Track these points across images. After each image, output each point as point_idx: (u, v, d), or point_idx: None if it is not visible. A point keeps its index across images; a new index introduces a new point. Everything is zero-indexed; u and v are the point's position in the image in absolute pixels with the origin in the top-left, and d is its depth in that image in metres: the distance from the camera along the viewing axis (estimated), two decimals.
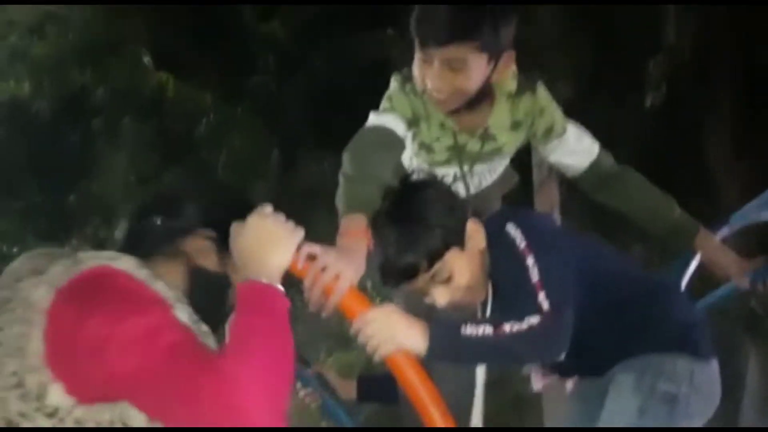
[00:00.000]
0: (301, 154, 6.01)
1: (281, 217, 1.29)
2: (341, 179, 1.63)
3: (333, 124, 5.21)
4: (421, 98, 1.75)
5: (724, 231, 2.14)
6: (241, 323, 1.16)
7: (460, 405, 1.93)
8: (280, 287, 1.24)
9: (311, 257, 1.34)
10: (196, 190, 1.40)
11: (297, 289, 1.35)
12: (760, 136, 4.82)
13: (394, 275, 1.53)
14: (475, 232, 1.57)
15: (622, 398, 1.58)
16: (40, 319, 1.14)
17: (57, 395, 1.11)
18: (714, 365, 1.64)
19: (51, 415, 1.11)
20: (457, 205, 1.60)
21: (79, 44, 6.14)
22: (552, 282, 1.45)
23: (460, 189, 1.85)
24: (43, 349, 1.12)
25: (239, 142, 6.07)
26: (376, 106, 1.80)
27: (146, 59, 6.14)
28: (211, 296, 1.30)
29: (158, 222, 1.31)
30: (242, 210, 1.29)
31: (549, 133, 1.88)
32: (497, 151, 1.87)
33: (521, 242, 1.50)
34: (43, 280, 1.17)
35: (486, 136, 1.83)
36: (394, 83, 1.79)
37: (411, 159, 1.85)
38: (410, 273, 1.53)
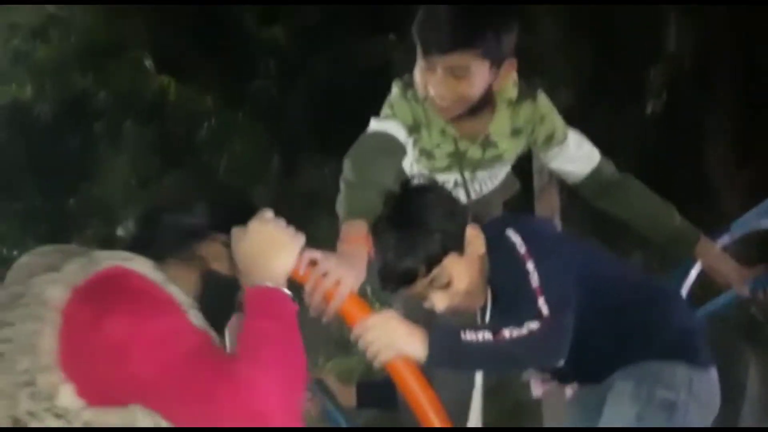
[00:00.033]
0: (302, 159, 6.02)
1: (282, 223, 1.29)
2: (342, 185, 1.63)
3: (334, 129, 5.21)
4: (422, 105, 1.76)
5: (725, 239, 2.14)
6: (252, 328, 1.16)
7: (459, 411, 1.93)
8: (287, 291, 1.25)
9: (312, 263, 1.34)
10: (201, 192, 1.39)
11: (296, 294, 1.35)
12: (760, 144, 4.83)
13: (392, 280, 1.54)
14: (474, 238, 1.57)
15: (621, 405, 1.58)
16: (54, 318, 1.13)
17: (67, 396, 1.11)
18: (713, 373, 1.64)
19: (60, 416, 1.11)
20: (456, 210, 1.60)
21: (81, 48, 6.16)
22: (552, 287, 1.45)
23: (460, 195, 1.85)
24: (57, 348, 1.12)
25: (240, 146, 6.08)
26: (376, 112, 1.80)
27: (148, 63, 6.16)
28: (221, 300, 1.30)
29: (175, 224, 1.31)
30: (246, 213, 1.29)
31: (550, 140, 1.88)
32: (498, 158, 1.88)
33: (521, 247, 1.51)
34: (58, 277, 1.17)
35: (487, 143, 1.84)
36: (395, 89, 1.80)
37: (412, 165, 1.85)
38: (409, 278, 1.53)
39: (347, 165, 1.65)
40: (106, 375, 1.11)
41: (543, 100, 1.86)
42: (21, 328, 1.14)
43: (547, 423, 2.86)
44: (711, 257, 1.97)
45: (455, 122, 1.78)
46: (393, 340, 1.36)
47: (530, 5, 4.62)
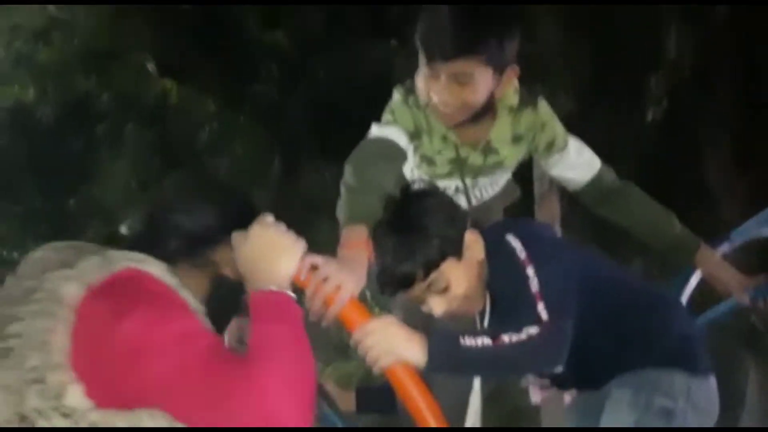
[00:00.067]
0: (303, 163, 6.03)
1: (283, 227, 1.29)
2: (343, 190, 1.63)
3: (334, 133, 5.22)
4: (424, 111, 1.76)
5: (725, 247, 2.14)
6: (260, 332, 1.17)
7: (457, 417, 1.93)
8: (292, 294, 1.25)
9: (313, 268, 1.34)
10: (203, 195, 1.39)
11: (297, 297, 1.35)
12: (760, 152, 4.83)
13: (390, 283, 1.54)
14: (473, 243, 1.57)
15: (619, 413, 1.58)
16: (68, 316, 1.13)
17: (76, 396, 1.11)
18: (711, 381, 1.64)
19: (67, 415, 1.10)
20: (456, 215, 1.60)
21: (84, 50, 6.17)
22: (552, 292, 1.45)
23: (461, 201, 1.85)
24: (69, 347, 1.12)
25: (241, 149, 6.09)
26: (377, 117, 1.80)
27: (150, 66, 6.16)
28: (225, 303, 1.30)
29: (190, 230, 1.30)
30: (248, 217, 1.30)
31: (550, 147, 1.88)
32: (499, 165, 1.88)
33: (521, 252, 1.51)
34: (73, 275, 1.16)
35: (488, 150, 1.84)
36: (396, 95, 1.80)
37: (412, 171, 1.85)
38: (406, 282, 1.53)
39: (348, 170, 1.65)
40: (118, 377, 1.10)
41: (544, 107, 1.86)
42: (33, 324, 1.14)
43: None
44: (711, 265, 1.97)
45: (456, 129, 1.78)
46: (392, 345, 1.36)
47: (530, 12, 4.63)
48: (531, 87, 1.86)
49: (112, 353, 1.10)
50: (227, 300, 1.31)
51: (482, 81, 1.68)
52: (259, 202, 1.46)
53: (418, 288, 1.54)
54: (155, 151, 6.15)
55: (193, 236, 1.30)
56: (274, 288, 1.23)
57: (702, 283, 2.07)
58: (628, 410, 1.56)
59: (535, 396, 2.76)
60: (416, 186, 1.64)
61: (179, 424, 1.12)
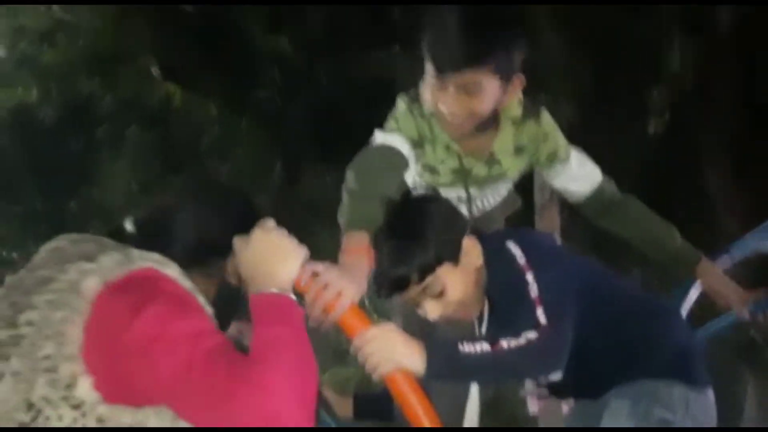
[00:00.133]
0: (304, 168, 6.03)
1: (284, 232, 1.30)
2: (345, 196, 1.63)
3: (336, 139, 5.23)
4: (428, 120, 1.76)
5: (725, 260, 2.15)
6: (262, 334, 1.17)
7: (456, 425, 1.93)
8: (293, 296, 1.25)
9: (314, 274, 1.34)
10: (204, 199, 1.39)
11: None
12: (762, 164, 4.84)
13: (386, 286, 1.54)
14: (471, 249, 1.58)
15: (618, 424, 1.58)
16: (84, 308, 1.13)
17: (85, 388, 1.11)
18: (709, 394, 1.64)
19: (76, 407, 1.11)
20: (455, 220, 1.61)
21: (88, 53, 6.19)
22: (551, 297, 1.45)
23: (463, 211, 1.85)
24: (82, 339, 1.12)
25: (243, 154, 6.10)
26: (379, 123, 1.81)
27: (154, 70, 6.18)
28: (228, 307, 1.30)
29: (208, 241, 1.30)
30: (250, 222, 1.30)
31: (552, 159, 1.89)
32: (501, 176, 1.88)
33: (521, 259, 1.51)
34: (93, 269, 1.17)
35: (491, 160, 1.84)
36: (400, 104, 1.80)
37: (415, 180, 1.86)
38: (401, 284, 1.54)
39: (350, 176, 1.65)
40: (127, 372, 1.11)
41: (546, 118, 1.87)
42: (48, 314, 1.14)
43: None
44: (711, 279, 1.97)
45: (460, 139, 1.79)
46: (392, 352, 1.36)
47: (533, 22, 4.64)
48: (534, 97, 1.87)
49: (124, 349, 1.11)
50: (228, 303, 1.31)
51: (490, 90, 1.68)
52: (260, 206, 1.46)
53: (414, 291, 1.55)
54: (157, 154, 6.16)
55: (204, 246, 1.31)
56: (275, 290, 1.23)
57: (702, 297, 2.07)
58: (627, 421, 1.56)
59: (533, 406, 2.76)
60: (417, 191, 1.64)
61: (184, 423, 1.12)
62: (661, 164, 5.26)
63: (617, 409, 1.58)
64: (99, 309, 1.13)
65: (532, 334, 1.40)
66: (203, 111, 6.22)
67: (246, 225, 1.30)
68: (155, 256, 1.22)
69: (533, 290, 1.46)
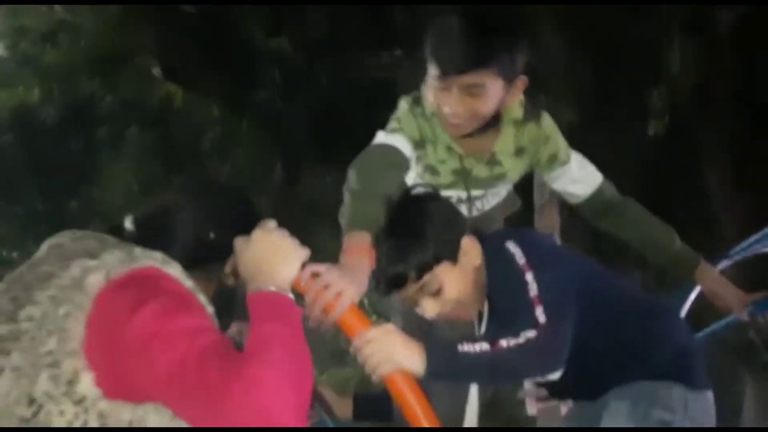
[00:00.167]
0: (304, 169, 6.04)
1: (285, 232, 1.30)
2: (346, 195, 1.63)
3: (336, 140, 5.24)
4: (430, 121, 1.77)
5: (724, 263, 2.15)
6: (258, 331, 1.17)
7: (456, 426, 1.93)
8: (291, 295, 1.26)
9: (314, 275, 1.35)
10: (204, 199, 1.40)
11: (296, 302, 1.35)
12: (761, 167, 4.84)
13: (384, 283, 1.55)
14: (470, 248, 1.58)
15: (617, 425, 1.58)
16: (87, 304, 1.14)
17: (86, 384, 1.11)
18: (709, 396, 1.64)
19: (77, 402, 1.11)
20: (454, 219, 1.61)
21: (89, 53, 6.19)
22: (550, 297, 1.45)
23: (463, 211, 1.86)
24: (84, 334, 1.12)
25: (243, 154, 6.10)
26: (379, 124, 1.81)
27: (155, 70, 6.18)
28: (226, 308, 1.31)
29: (211, 243, 1.31)
30: (251, 223, 1.30)
31: (553, 161, 1.89)
32: (502, 177, 1.89)
33: (521, 258, 1.51)
34: (97, 266, 1.17)
35: (492, 162, 1.85)
36: (403, 105, 1.81)
37: (415, 181, 1.86)
38: (399, 282, 1.54)
39: (352, 175, 1.65)
40: (126, 369, 1.11)
41: (547, 121, 1.87)
42: (50, 309, 1.14)
43: None
44: (711, 281, 1.97)
45: (461, 140, 1.79)
46: (392, 353, 1.36)
47: (534, 25, 4.65)
48: (534, 99, 1.87)
49: (123, 345, 1.11)
50: (226, 304, 1.31)
51: (493, 92, 1.69)
52: (260, 207, 1.46)
53: (411, 289, 1.55)
54: (157, 155, 6.16)
55: (202, 248, 1.31)
56: (273, 289, 1.24)
57: (701, 300, 2.07)
58: (626, 422, 1.56)
59: (532, 407, 2.77)
60: (417, 190, 1.65)
61: (180, 421, 1.12)
62: (660, 165, 5.26)
63: (616, 410, 1.58)
64: (101, 305, 1.14)
65: (531, 334, 1.40)
66: (204, 111, 6.22)
67: (245, 226, 1.31)
68: (157, 255, 1.22)
69: (532, 290, 1.46)
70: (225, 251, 1.31)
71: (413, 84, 1.82)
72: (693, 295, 2.12)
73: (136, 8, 5.82)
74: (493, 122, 1.77)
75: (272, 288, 1.23)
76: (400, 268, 1.53)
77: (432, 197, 1.63)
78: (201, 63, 5.87)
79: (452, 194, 1.85)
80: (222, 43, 5.81)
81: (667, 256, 1.96)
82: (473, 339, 1.41)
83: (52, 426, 1.10)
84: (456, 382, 1.74)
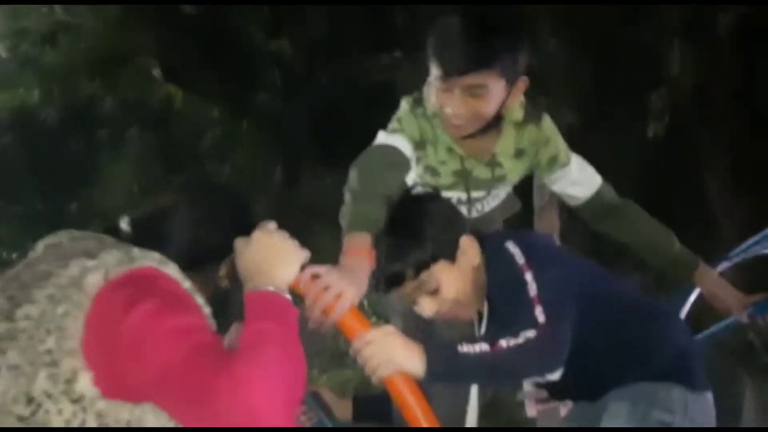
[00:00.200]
0: (305, 171, 6.04)
1: (286, 234, 1.30)
2: (347, 195, 1.64)
3: (336, 142, 5.24)
4: (431, 122, 1.77)
5: (724, 264, 2.15)
6: (252, 329, 1.17)
7: (456, 426, 1.93)
8: (288, 296, 1.26)
9: (314, 277, 1.35)
10: (202, 202, 1.40)
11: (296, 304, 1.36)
12: (761, 169, 4.84)
13: (382, 280, 1.55)
14: (469, 248, 1.58)
15: (617, 426, 1.58)
16: (86, 303, 1.14)
17: (85, 383, 1.11)
18: (708, 397, 1.64)
19: (76, 401, 1.11)
20: (453, 219, 1.62)
21: (89, 54, 6.19)
22: (550, 296, 1.45)
23: (463, 213, 1.86)
24: (82, 333, 1.12)
25: (243, 156, 6.10)
26: (379, 125, 1.82)
27: (156, 72, 6.19)
28: (221, 310, 1.31)
29: (209, 246, 1.31)
30: (247, 225, 1.30)
31: (553, 163, 1.90)
32: (502, 178, 1.89)
33: (520, 258, 1.52)
34: (96, 265, 1.17)
35: (492, 163, 1.85)
36: (404, 105, 1.82)
37: (415, 182, 1.86)
38: (397, 280, 1.55)
39: (353, 175, 1.66)
40: (120, 367, 1.11)
41: (547, 123, 1.88)
42: (48, 307, 1.14)
43: None
44: (710, 283, 1.98)
45: (462, 141, 1.80)
46: (392, 355, 1.37)
47: (533, 26, 4.65)
48: (534, 100, 1.88)
49: (118, 343, 1.11)
50: (221, 306, 1.31)
51: (495, 92, 1.70)
52: (260, 208, 1.47)
53: (409, 287, 1.56)
54: (158, 156, 6.17)
55: (197, 250, 1.31)
56: (271, 289, 1.24)
57: (700, 302, 2.07)
58: (626, 423, 1.56)
59: (531, 409, 2.77)
60: (417, 190, 1.65)
61: (174, 421, 1.12)
62: (660, 167, 5.26)
63: (616, 411, 1.58)
64: (99, 305, 1.14)
65: (530, 333, 1.40)
66: (204, 113, 6.22)
67: (240, 228, 1.31)
68: (156, 255, 1.23)
69: (532, 290, 1.46)
70: (221, 253, 1.31)
71: (413, 85, 1.83)
72: (692, 297, 2.13)
73: (136, 9, 5.82)
74: (494, 123, 1.78)
75: (270, 288, 1.24)
76: (398, 266, 1.54)
77: (432, 197, 1.64)
78: (201, 64, 5.88)
79: (452, 195, 1.86)
80: (222, 44, 5.82)
81: (666, 259, 1.96)
82: (473, 340, 1.42)
83: (50, 425, 1.10)
84: (456, 383, 1.75)
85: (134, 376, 1.11)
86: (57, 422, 1.11)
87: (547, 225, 3.03)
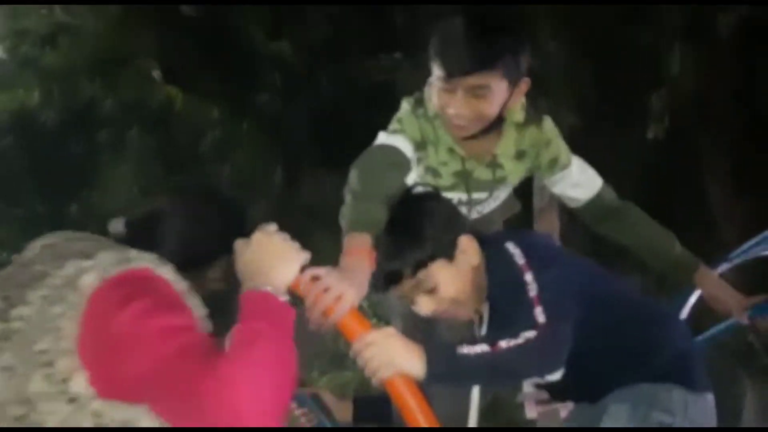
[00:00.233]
0: (305, 172, 6.04)
1: (286, 236, 1.30)
2: (347, 196, 1.63)
3: (336, 143, 5.24)
4: (432, 123, 1.77)
5: (724, 266, 2.15)
6: (244, 328, 1.17)
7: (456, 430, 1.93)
8: (285, 297, 1.26)
9: (314, 279, 1.35)
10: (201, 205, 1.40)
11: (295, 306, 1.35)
12: (761, 171, 4.84)
13: (380, 278, 1.55)
14: (468, 247, 1.58)
15: (617, 426, 1.58)
16: (82, 304, 1.14)
17: (80, 383, 1.11)
18: (709, 398, 1.64)
19: (71, 401, 1.11)
20: (452, 218, 1.62)
21: (89, 56, 6.19)
22: (550, 296, 1.45)
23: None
24: (77, 333, 1.12)
25: (243, 158, 6.10)
26: (379, 126, 1.82)
27: (156, 73, 6.19)
28: (216, 312, 1.30)
29: (200, 249, 1.32)
30: (238, 230, 1.31)
31: (553, 164, 1.90)
32: (503, 180, 1.89)
33: (520, 259, 1.51)
34: (92, 266, 1.17)
35: (493, 164, 1.85)
36: (405, 106, 1.82)
37: (415, 181, 1.86)
38: (394, 278, 1.55)
39: (354, 175, 1.66)
40: (112, 367, 1.11)
41: (548, 125, 1.88)
42: (43, 308, 1.14)
43: None
44: (710, 285, 1.97)
45: (463, 142, 1.80)
46: (392, 357, 1.36)
47: (534, 28, 4.65)
48: (535, 102, 1.88)
49: (110, 343, 1.12)
50: (217, 307, 1.31)
51: (498, 93, 1.70)
52: (260, 210, 1.47)
53: (407, 285, 1.56)
54: (158, 157, 6.17)
55: (189, 254, 1.31)
56: (269, 289, 1.24)
57: (701, 303, 2.07)
58: (626, 424, 1.56)
59: (531, 411, 2.76)
60: (418, 189, 1.65)
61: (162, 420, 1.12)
62: (660, 169, 5.27)
63: (616, 413, 1.58)
64: (94, 305, 1.14)
65: (530, 334, 1.40)
66: (204, 114, 6.22)
67: (234, 231, 1.31)
68: (152, 257, 1.23)
69: (532, 290, 1.46)
70: (214, 254, 1.31)
71: (413, 86, 1.83)
72: (693, 299, 2.13)
73: (136, 11, 5.83)
74: (496, 125, 1.78)
75: (267, 288, 1.24)
76: (396, 264, 1.54)
77: (432, 196, 1.64)
78: (201, 65, 5.88)
79: (453, 196, 1.85)
80: (222, 45, 5.82)
81: (666, 260, 1.96)
82: (474, 341, 1.42)
83: (46, 425, 1.10)
84: (456, 384, 1.74)
85: (123, 377, 1.11)
86: (52, 422, 1.10)
87: (547, 226, 3.03)
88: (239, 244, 1.30)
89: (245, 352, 1.11)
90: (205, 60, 5.84)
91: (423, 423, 1.34)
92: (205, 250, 1.33)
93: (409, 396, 1.35)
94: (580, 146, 1.99)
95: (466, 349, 1.38)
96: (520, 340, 1.39)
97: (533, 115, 1.85)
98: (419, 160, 1.80)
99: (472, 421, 1.97)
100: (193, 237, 1.33)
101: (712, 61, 4.90)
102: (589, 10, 4.80)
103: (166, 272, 1.21)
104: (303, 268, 1.32)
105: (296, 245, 1.31)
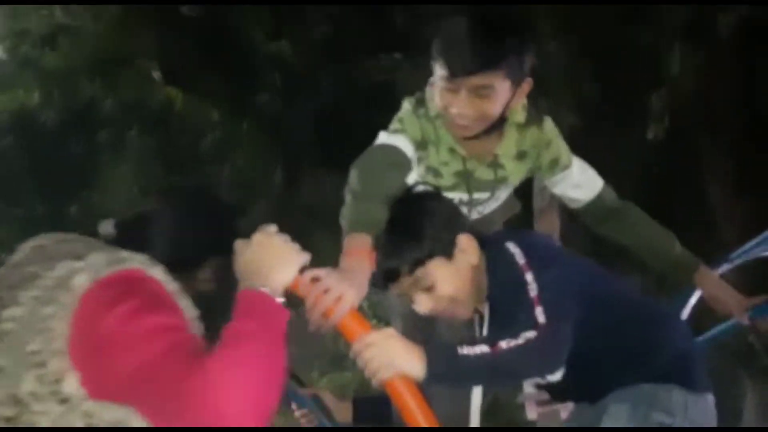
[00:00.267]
0: (305, 173, 6.04)
1: (287, 237, 1.30)
2: (348, 196, 1.63)
3: (336, 143, 5.24)
4: (433, 123, 1.77)
5: (725, 267, 2.15)
6: (234, 327, 1.17)
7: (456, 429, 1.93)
8: (280, 299, 1.26)
9: (314, 280, 1.35)
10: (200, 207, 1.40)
11: (294, 307, 1.35)
12: (762, 171, 4.84)
13: (378, 276, 1.55)
14: (467, 246, 1.58)
15: (618, 427, 1.58)
16: (73, 304, 1.14)
17: (72, 384, 1.11)
18: (709, 399, 1.64)
19: (63, 401, 1.11)
20: (451, 216, 1.62)
21: (90, 56, 6.20)
22: (550, 297, 1.45)
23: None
24: (69, 334, 1.12)
25: (243, 158, 6.10)
26: (380, 127, 1.82)
27: (156, 74, 6.19)
28: (207, 314, 1.30)
29: (192, 249, 1.32)
30: (231, 228, 1.31)
31: (554, 165, 1.90)
32: (503, 180, 1.89)
33: (520, 259, 1.51)
34: (83, 267, 1.17)
35: (494, 164, 1.85)
36: (406, 105, 1.82)
37: (416, 181, 1.86)
38: (392, 276, 1.56)
39: (354, 175, 1.65)
40: (102, 367, 1.11)
41: (549, 126, 1.88)
42: (36, 310, 1.14)
43: None
44: (710, 285, 1.97)
45: (465, 142, 1.79)
46: (392, 357, 1.36)
47: (534, 29, 4.65)
48: (536, 103, 1.88)
49: (99, 343, 1.11)
50: (207, 308, 1.31)
51: (501, 93, 1.70)
52: (260, 210, 1.47)
53: (405, 283, 1.56)
54: (158, 158, 6.17)
55: (179, 256, 1.31)
56: (264, 290, 1.24)
57: (701, 304, 2.07)
58: (626, 425, 1.56)
59: (531, 412, 2.76)
60: (418, 188, 1.65)
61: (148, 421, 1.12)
62: (661, 169, 5.27)
63: (616, 413, 1.58)
64: (85, 305, 1.14)
65: (530, 334, 1.40)
66: (204, 114, 6.23)
67: (225, 232, 1.31)
68: (143, 258, 1.23)
69: (532, 290, 1.46)
70: (204, 256, 1.31)
71: (413, 86, 1.83)
72: (693, 299, 2.12)
73: (136, 11, 5.83)
74: (498, 125, 1.78)
75: (264, 289, 1.23)
76: (394, 262, 1.54)
77: (433, 196, 1.64)
78: (201, 65, 5.88)
79: (454, 196, 1.85)
80: (222, 45, 5.82)
81: (667, 261, 1.96)
82: (474, 341, 1.42)
83: (38, 426, 1.10)
84: (456, 384, 1.74)
85: (113, 375, 1.11)
86: (44, 423, 1.10)
87: (548, 227, 3.03)
88: (239, 244, 1.30)
89: (232, 351, 1.11)
90: (205, 60, 5.84)
91: (423, 423, 1.34)
92: (194, 251, 1.33)
93: (409, 397, 1.35)
94: (580, 146, 1.99)
95: (466, 350, 1.38)
96: (520, 341, 1.39)
97: (534, 116, 1.85)
98: (420, 160, 1.80)
99: (474, 422, 1.96)
100: (182, 238, 1.33)
101: (712, 61, 4.90)
102: (589, 10, 4.80)
103: (157, 273, 1.21)
104: (303, 270, 1.32)
105: (296, 247, 1.31)
